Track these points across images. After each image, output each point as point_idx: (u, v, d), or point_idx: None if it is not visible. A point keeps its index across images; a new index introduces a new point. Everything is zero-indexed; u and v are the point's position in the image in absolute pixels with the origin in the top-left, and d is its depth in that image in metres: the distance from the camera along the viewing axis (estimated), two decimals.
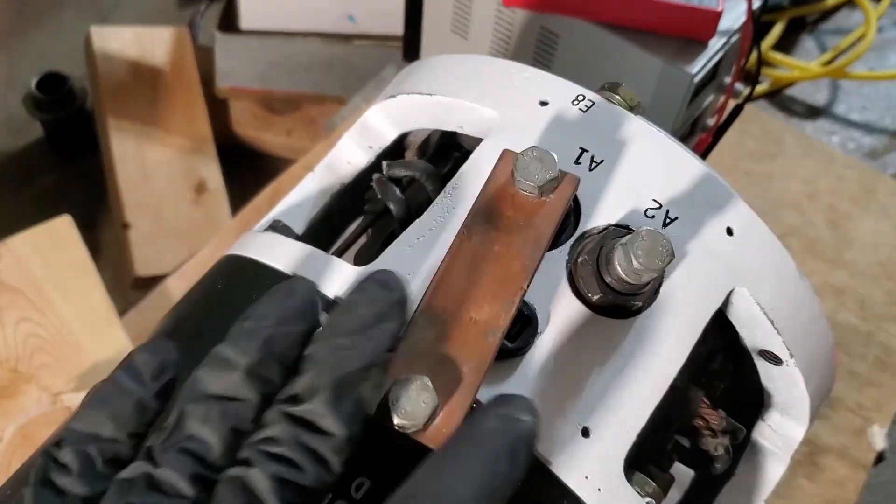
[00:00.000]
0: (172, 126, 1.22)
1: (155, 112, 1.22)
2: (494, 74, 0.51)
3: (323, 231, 0.59)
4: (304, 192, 0.58)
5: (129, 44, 1.26)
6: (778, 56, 1.29)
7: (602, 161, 0.46)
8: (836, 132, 1.29)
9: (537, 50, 0.87)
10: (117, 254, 1.18)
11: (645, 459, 0.49)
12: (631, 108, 0.49)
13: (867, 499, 0.85)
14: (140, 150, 1.19)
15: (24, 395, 0.78)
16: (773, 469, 0.55)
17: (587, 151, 0.47)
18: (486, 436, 0.30)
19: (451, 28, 0.93)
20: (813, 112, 1.31)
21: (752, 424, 0.54)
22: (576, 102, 0.48)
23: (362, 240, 0.57)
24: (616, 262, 0.41)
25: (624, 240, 0.41)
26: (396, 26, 1.01)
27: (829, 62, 1.30)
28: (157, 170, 1.18)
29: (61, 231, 0.88)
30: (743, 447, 0.54)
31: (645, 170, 0.47)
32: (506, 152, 0.43)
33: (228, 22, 1.22)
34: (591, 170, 0.46)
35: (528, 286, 0.40)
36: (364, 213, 0.56)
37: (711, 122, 0.90)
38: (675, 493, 0.58)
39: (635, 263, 0.40)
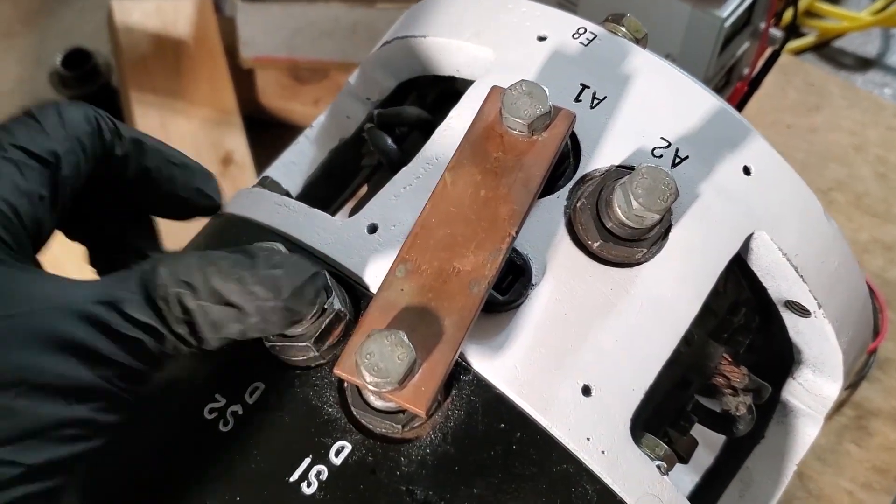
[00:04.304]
0: (197, 98, 1.20)
1: (179, 85, 1.20)
2: (490, 11, 0.47)
3: (326, 187, 0.56)
4: (301, 148, 0.55)
5: (150, 16, 1.25)
6: (825, 6, 1.23)
7: (605, 98, 0.43)
8: (888, 84, 1.23)
9: None
10: None
11: (662, 421, 0.46)
12: (637, 41, 0.45)
13: None
14: (164, 123, 1.17)
15: None
16: (807, 430, 0.51)
17: (588, 88, 0.43)
18: None
19: None
20: (863, 64, 1.25)
21: (781, 383, 0.50)
22: (576, 36, 0.45)
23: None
24: (616, 205, 0.38)
25: (623, 179, 0.38)
26: None
27: (880, 10, 1.24)
28: (181, 143, 1.16)
29: None
30: (771, 407, 0.50)
31: (652, 106, 0.43)
32: (494, 89, 0.39)
33: None
34: (592, 107, 0.42)
35: (516, 232, 0.37)
36: (362, 167, 0.53)
37: (748, 71, 0.86)
38: (706, 458, 0.54)
39: (635, 204, 0.37)
